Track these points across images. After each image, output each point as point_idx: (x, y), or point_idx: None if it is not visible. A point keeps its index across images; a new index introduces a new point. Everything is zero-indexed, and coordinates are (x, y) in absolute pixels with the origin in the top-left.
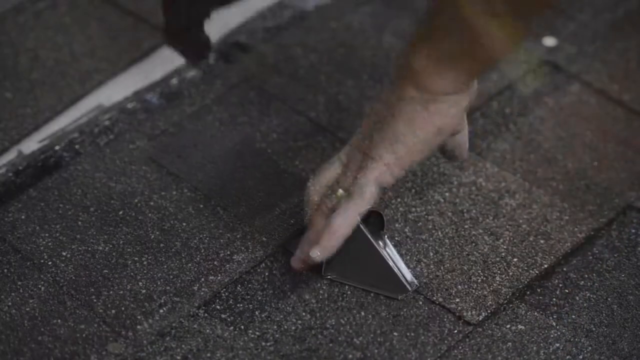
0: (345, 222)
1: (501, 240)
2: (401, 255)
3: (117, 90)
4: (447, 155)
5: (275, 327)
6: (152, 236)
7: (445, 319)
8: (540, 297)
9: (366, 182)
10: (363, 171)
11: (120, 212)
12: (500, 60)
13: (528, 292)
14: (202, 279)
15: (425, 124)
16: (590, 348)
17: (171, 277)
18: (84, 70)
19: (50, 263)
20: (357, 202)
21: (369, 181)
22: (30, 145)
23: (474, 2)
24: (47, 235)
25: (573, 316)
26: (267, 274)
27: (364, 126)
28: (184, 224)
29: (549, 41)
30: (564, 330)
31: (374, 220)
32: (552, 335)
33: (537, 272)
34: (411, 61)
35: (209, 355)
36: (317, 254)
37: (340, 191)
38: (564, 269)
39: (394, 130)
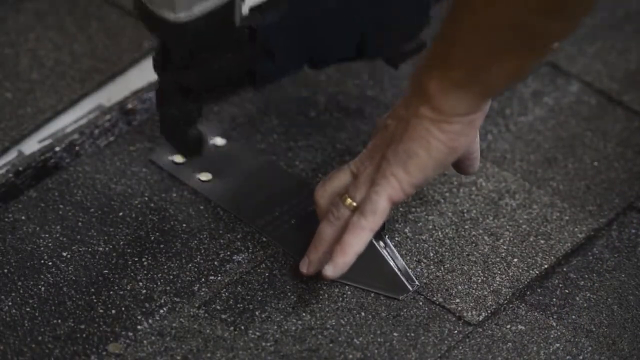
0: (357, 239)
1: (501, 241)
2: (401, 255)
3: (117, 90)
4: (457, 166)
5: (275, 327)
6: (152, 237)
7: (445, 319)
8: (540, 297)
9: (378, 199)
10: (375, 187)
11: (121, 214)
12: (513, 84)
13: (528, 292)
14: (202, 279)
15: (439, 143)
16: (590, 348)
17: (171, 277)
18: (84, 70)
19: (50, 263)
20: (370, 219)
21: (381, 198)
22: (31, 146)
23: (479, 31)
24: (47, 235)
25: (573, 316)
26: (267, 274)
27: (376, 141)
28: (184, 225)
29: None
30: (564, 331)
31: None
32: (552, 336)
33: (537, 272)
34: (424, 84)
35: (209, 355)
36: (330, 271)
37: (349, 200)
38: (564, 269)
39: (407, 149)
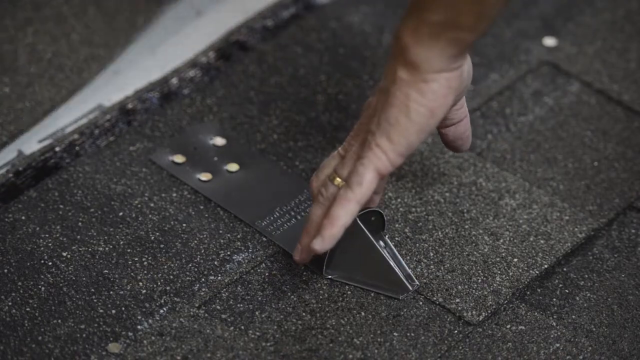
0: (344, 211)
1: (501, 241)
2: (401, 255)
3: (117, 90)
4: (450, 147)
5: (275, 327)
6: (152, 237)
7: (445, 319)
8: (540, 297)
9: (364, 171)
10: (361, 160)
11: (121, 213)
12: (484, 30)
13: (528, 292)
14: (202, 279)
15: (418, 106)
16: (590, 348)
17: (171, 277)
18: (81, 59)
19: (50, 263)
20: (356, 190)
21: (367, 169)
22: (31, 146)
23: None
24: (47, 235)
25: (573, 316)
26: (267, 274)
27: (361, 120)
28: (184, 224)
29: (549, 41)
30: (564, 331)
31: (374, 220)
32: (552, 335)
33: (537, 272)
34: (400, 36)
35: (209, 355)
36: (318, 244)
37: (338, 179)
38: (564, 269)
39: (388, 117)
